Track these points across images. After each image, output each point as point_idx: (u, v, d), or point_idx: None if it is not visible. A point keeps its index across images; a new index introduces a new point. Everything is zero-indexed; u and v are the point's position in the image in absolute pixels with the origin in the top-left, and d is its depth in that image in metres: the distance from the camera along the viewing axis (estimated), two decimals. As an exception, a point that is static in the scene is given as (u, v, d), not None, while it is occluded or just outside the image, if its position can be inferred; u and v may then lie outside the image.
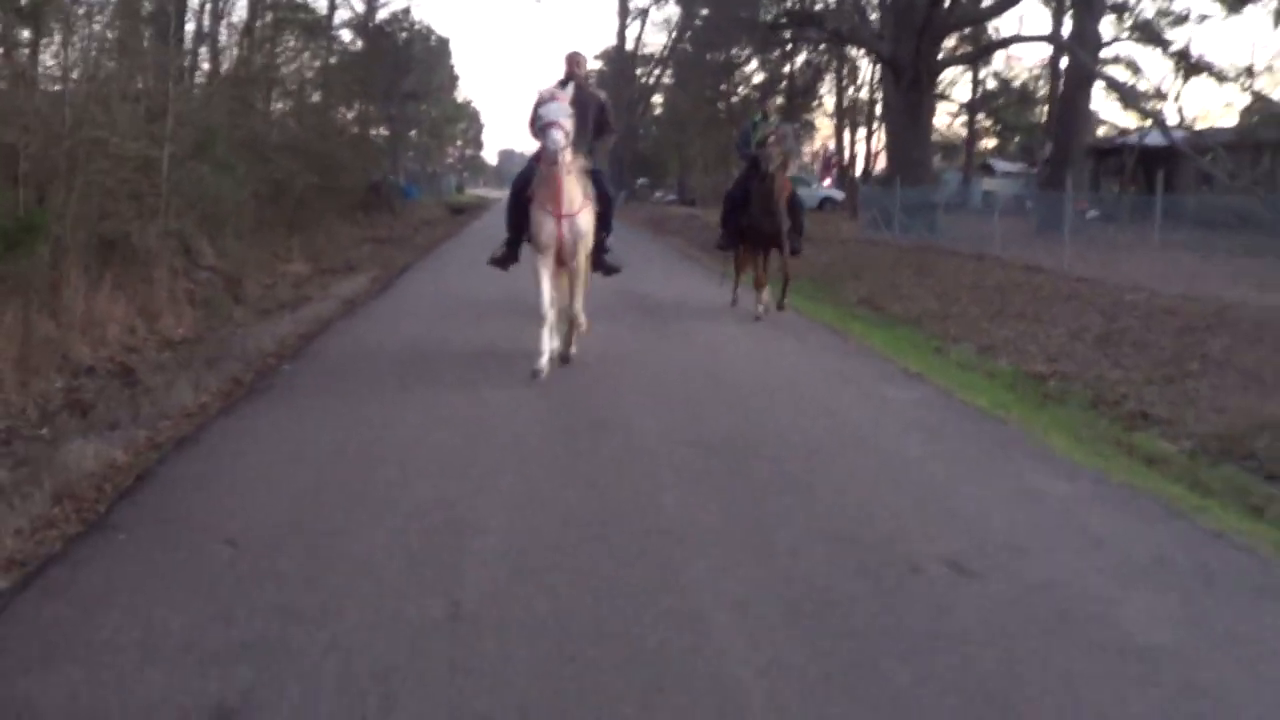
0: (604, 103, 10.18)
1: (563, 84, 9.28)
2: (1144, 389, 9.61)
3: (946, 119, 55.30)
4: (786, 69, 50.27)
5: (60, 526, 5.24)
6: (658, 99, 64.55)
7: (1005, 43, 32.52)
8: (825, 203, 44.46)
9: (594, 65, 67.04)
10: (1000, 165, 57.64)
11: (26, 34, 11.06)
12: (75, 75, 11.54)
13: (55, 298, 10.08)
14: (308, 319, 12.91)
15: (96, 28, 12.39)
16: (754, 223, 13.47)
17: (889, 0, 27.92)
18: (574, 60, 10.09)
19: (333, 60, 31.19)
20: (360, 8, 43.82)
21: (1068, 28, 29.88)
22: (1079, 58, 25.23)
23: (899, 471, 6.37)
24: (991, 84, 53.38)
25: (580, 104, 9.37)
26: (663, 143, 65.55)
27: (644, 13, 60.34)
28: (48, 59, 11.85)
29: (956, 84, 48.85)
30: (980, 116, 53.86)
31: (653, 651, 3.82)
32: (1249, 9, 28.47)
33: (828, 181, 49.28)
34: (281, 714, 3.42)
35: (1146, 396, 9.34)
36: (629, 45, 62.66)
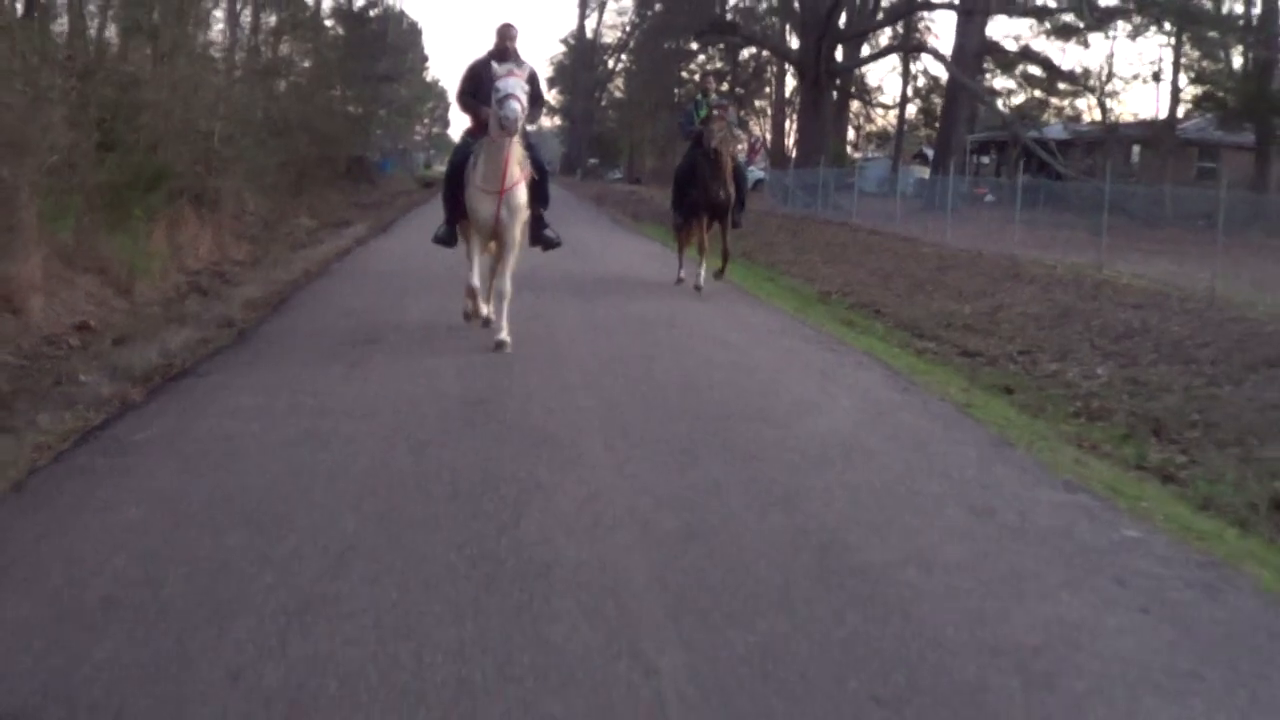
0: (534, 74, 9.85)
1: (501, 56, 9.51)
2: (889, 299, 14.98)
3: (881, 112, 60.60)
4: (732, 61, 55.50)
5: (250, 315, 10.55)
6: (614, 85, 69.67)
7: (886, 51, 38.18)
8: (756, 183, 49.89)
9: (557, 51, 71.88)
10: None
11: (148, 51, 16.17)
12: (173, 76, 16.65)
13: (172, 227, 15.20)
14: (330, 251, 18.17)
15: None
16: (702, 195, 13.94)
17: (795, 11, 33.31)
18: (506, 34, 9.99)
19: (322, 49, 36.01)
20: (342, -2, 48.92)
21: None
22: (950, 69, 30.77)
23: (754, 368, 9.36)
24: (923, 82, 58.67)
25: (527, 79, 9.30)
26: (617, 126, 70.78)
27: (602, 3, 65.42)
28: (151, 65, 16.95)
29: (885, 80, 54.00)
30: (912, 111, 59.15)
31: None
32: (1111, 27, 33.78)
33: (755, 164, 54.70)
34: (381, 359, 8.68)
35: (886, 303, 14.68)
36: (589, 34, 67.72)
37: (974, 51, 33.30)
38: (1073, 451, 7.22)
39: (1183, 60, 34.44)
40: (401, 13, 71.09)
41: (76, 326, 10.46)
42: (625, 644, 3.65)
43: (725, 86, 52.76)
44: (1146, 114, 37.22)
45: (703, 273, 14.16)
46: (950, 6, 34.11)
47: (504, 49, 9.83)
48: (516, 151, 9.32)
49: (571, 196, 39.85)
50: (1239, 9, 31.42)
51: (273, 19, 29.87)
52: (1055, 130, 37.83)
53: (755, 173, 52.24)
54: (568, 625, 3.77)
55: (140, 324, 10.83)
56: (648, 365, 9.12)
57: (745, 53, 54.25)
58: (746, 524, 4.98)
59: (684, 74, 57.57)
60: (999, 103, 36.42)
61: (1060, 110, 42.72)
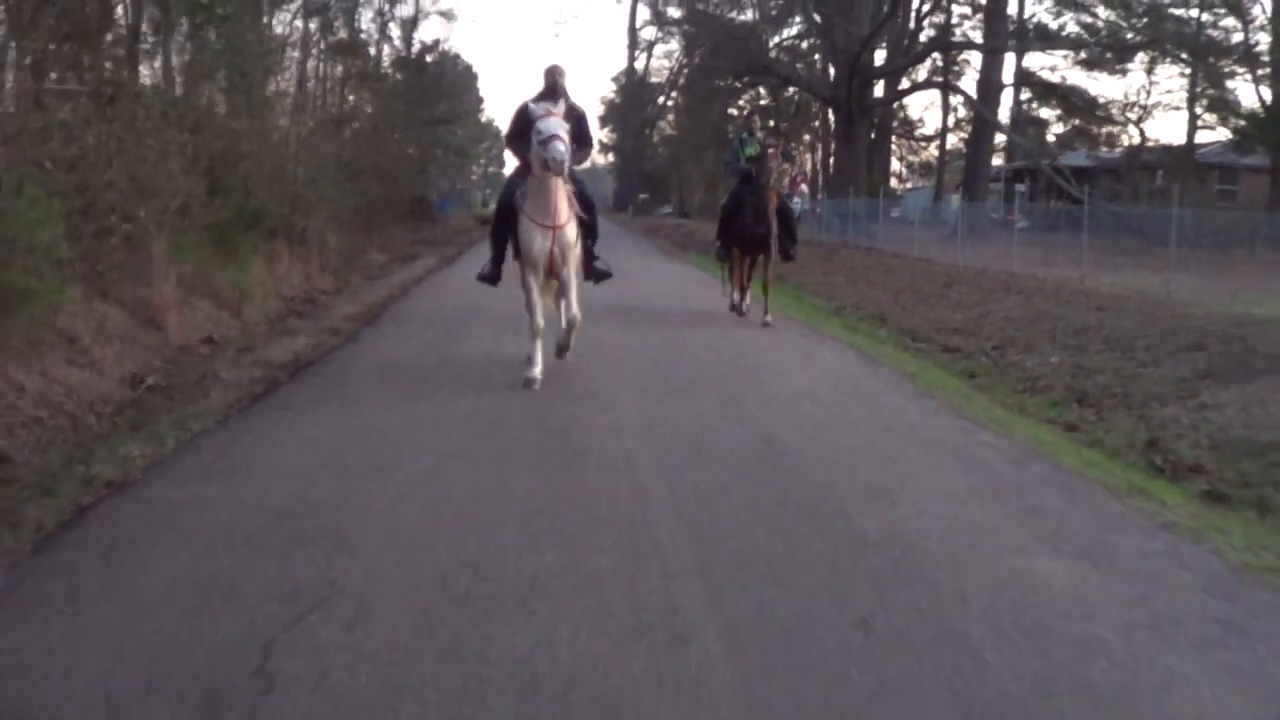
0: (582, 114, 10.14)
1: (550, 96, 9.58)
2: (895, 310, 17.18)
3: (923, 144, 62.73)
4: (775, 98, 57.96)
5: (342, 332, 12.98)
6: (664, 122, 72.42)
7: (914, 89, 40.47)
8: (799, 215, 52.24)
9: (608, 90, 74.76)
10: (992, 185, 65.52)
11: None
12: (264, 128, 19.27)
13: (268, 261, 17.73)
14: (405, 279, 20.67)
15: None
16: (747, 231, 14.80)
17: (829, 53, 35.76)
18: (556, 73, 10.03)
19: (384, 96, 38.75)
20: (400, 45, 51.77)
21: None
22: (972, 104, 33.02)
23: (751, 353, 12.62)
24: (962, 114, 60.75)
25: (568, 116, 9.45)
26: (667, 162, 73.42)
27: (651, 45, 68.22)
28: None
29: (926, 113, 56.15)
30: (954, 141, 61.22)
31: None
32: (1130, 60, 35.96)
33: (797, 195, 57.03)
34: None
35: (891, 313, 16.88)
36: (638, 73, 70.53)
37: (997, 86, 35.54)
38: (988, 406, 9.45)
39: (1197, 90, 36.38)
40: (457, 56, 74.13)
41: (203, 340, 12.96)
42: (630, 483, 5.99)
43: (771, 123, 55.28)
44: (1179, 140, 38.74)
45: (747, 302, 15.23)
46: (973, 46, 36.42)
47: (552, 89, 9.82)
48: (564, 189, 9.45)
49: (623, 231, 42.38)
50: (1245, 38, 33.44)
51: (338, 69, 32.63)
52: (1079, 157, 39.88)
53: (796, 204, 54.76)
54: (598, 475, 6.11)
55: (255, 338, 13.33)
56: (672, 351, 11.44)
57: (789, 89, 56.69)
58: (719, 431, 7.33)
59: (731, 110, 59.99)
60: (1016, 134, 38.53)
61: (1096, 137, 44.77)
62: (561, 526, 5.22)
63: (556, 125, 9.06)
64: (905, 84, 43.63)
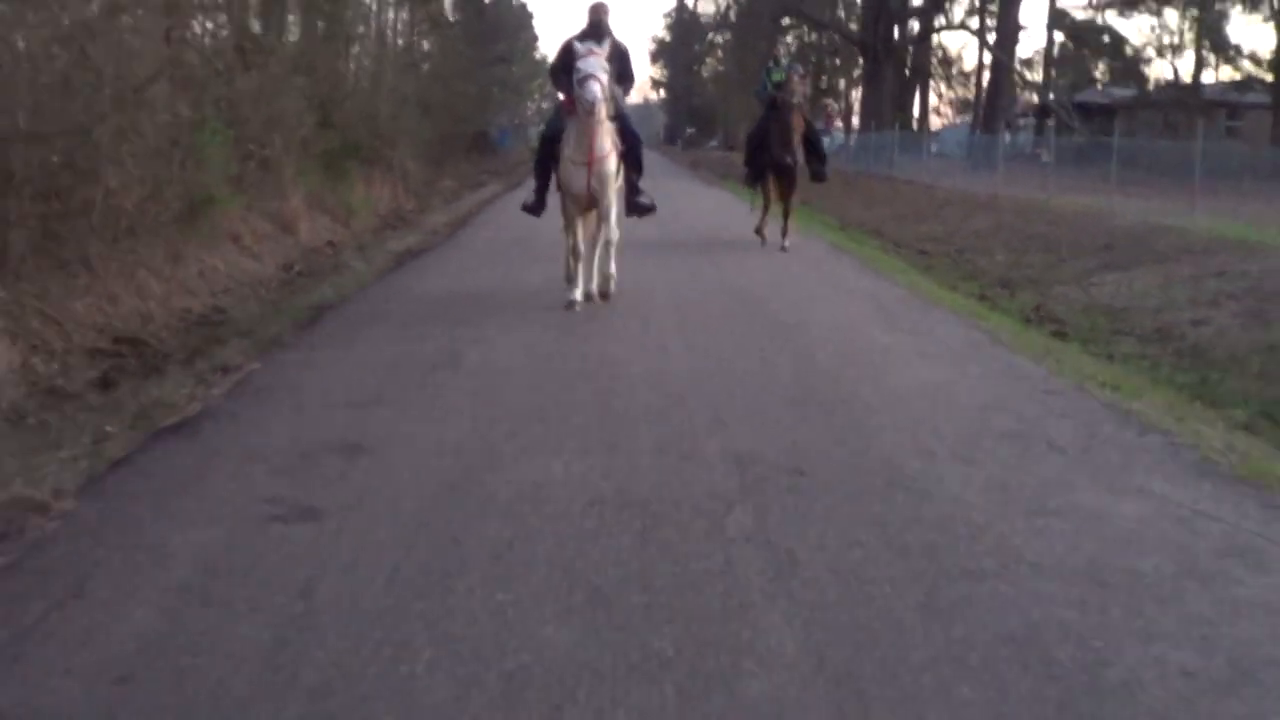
0: (625, 52, 10.34)
1: (595, 38, 9.73)
2: (891, 225, 20.52)
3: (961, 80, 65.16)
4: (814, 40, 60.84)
5: (440, 233, 16.59)
6: (712, 59, 75.37)
7: (933, 30, 43.36)
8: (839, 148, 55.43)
9: (658, 29, 77.45)
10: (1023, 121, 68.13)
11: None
12: (359, 72, 22.80)
13: (366, 184, 21.30)
14: (476, 201, 24.23)
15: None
16: (770, 157, 15.12)
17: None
18: (600, 10, 10.17)
19: (453, 40, 42.11)
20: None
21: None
22: (986, 45, 36.01)
23: (774, 266, 16.85)
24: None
25: (610, 56, 9.67)
26: (714, 98, 76.41)
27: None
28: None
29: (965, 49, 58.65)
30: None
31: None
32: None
33: (831, 130, 60.18)
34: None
35: (887, 228, 20.23)
36: (688, 11, 73.44)
37: (1014, 28, 38.44)
38: (924, 281, 12.87)
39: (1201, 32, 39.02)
40: None
41: (326, 243, 16.49)
42: (656, 334, 9.53)
43: (813, 62, 58.10)
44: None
45: (766, 223, 15.46)
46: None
47: (596, 26, 9.99)
48: (605, 125, 9.67)
49: (671, 164, 45.65)
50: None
51: (404, 15, 36.01)
52: (1098, 95, 42.71)
53: (836, 138, 57.86)
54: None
55: (365, 243, 16.87)
56: (696, 259, 14.88)
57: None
58: (718, 299, 10.80)
59: (779, 49, 62.84)
60: (1030, 72, 41.57)
61: (1138, 75, 47.29)
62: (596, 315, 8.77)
63: (595, 65, 9.29)
64: (937, 25, 46.48)
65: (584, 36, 9.83)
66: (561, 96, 10.42)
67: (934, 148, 45.05)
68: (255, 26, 20.75)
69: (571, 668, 3.20)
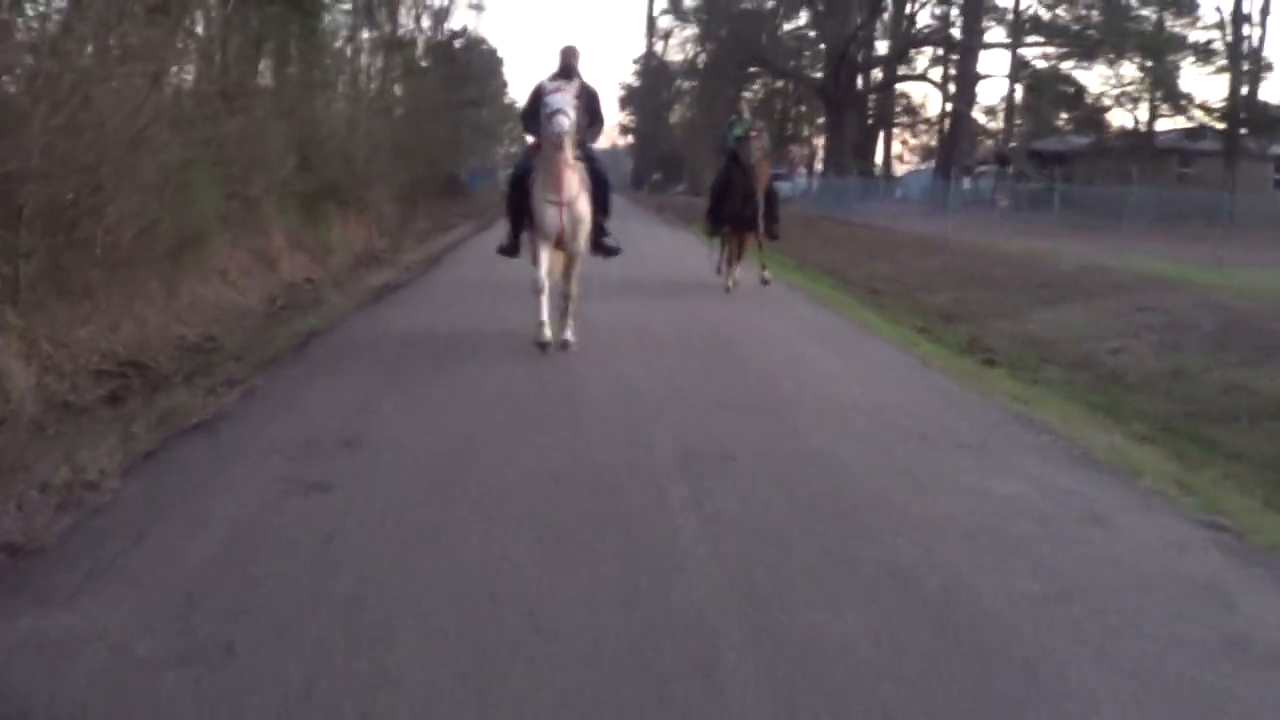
0: (594, 93, 10.49)
1: (564, 76, 10.02)
2: (846, 266, 21.58)
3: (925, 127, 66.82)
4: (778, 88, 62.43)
5: (414, 270, 17.53)
6: (680, 105, 76.87)
7: (895, 80, 44.85)
8: (799, 194, 56.80)
9: (628, 75, 78.88)
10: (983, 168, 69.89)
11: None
12: (336, 116, 23.77)
13: (341, 225, 22.22)
14: (447, 242, 25.18)
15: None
16: (735, 209, 15.55)
17: (821, 46, 40.24)
18: (570, 54, 10.42)
19: (426, 85, 43.11)
20: (431, 34, 56.20)
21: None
22: (945, 95, 37.40)
23: (730, 302, 18.11)
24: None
25: (580, 96, 9.85)
26: (681, 144, 77.78)
27: (668, 34, 72.59)
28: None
29: (929, 98, 60.41)
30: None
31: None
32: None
33: (795, 176, 61.64)
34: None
35: (841, 268, 21.29)
36: (656, 59, 74.93)
37: (973, 78, 39.94)
38: (864, 314, 13.89)
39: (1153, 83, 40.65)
40: (483, 42, 77.99)
41: (305, 279, 17.36)
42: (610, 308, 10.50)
43: (778, 109, 59.50)
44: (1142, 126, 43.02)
45: (734, 279, 15.81)
46: (943, 43, 40.82)
47: (567, 69, 10.26)
48: (572, 163, 9.72)
49: (636, 208, 46.81)
50: (1200, 37, 37.84)
51: (379, 62, 37.10)
52: (1056, 143, 44.25)
53: (799, 184, 59.33)
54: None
55: (341, 279, 17.75)
56: (658, 296, 15.85)
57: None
58: (674, 328, 11.76)
59: (746, 94, 64.38)
60: (987, 122, 43.19)
61: (1097, 123, 48.88)
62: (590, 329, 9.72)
63: (563, 100, 9.41)
64: (901, 73, 47.99)
65: (554, 78, 10.06)
66: (530, 139, 10.60)
67: (898, 193, 46.65)
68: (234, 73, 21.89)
69: (540, 583, 4.13)
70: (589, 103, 10.34)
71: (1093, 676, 3.55)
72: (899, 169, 68.58)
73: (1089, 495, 5.57)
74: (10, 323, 9.68)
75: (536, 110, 9.82)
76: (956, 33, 41.91)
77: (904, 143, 69.15)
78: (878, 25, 40.82)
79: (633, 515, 4.99)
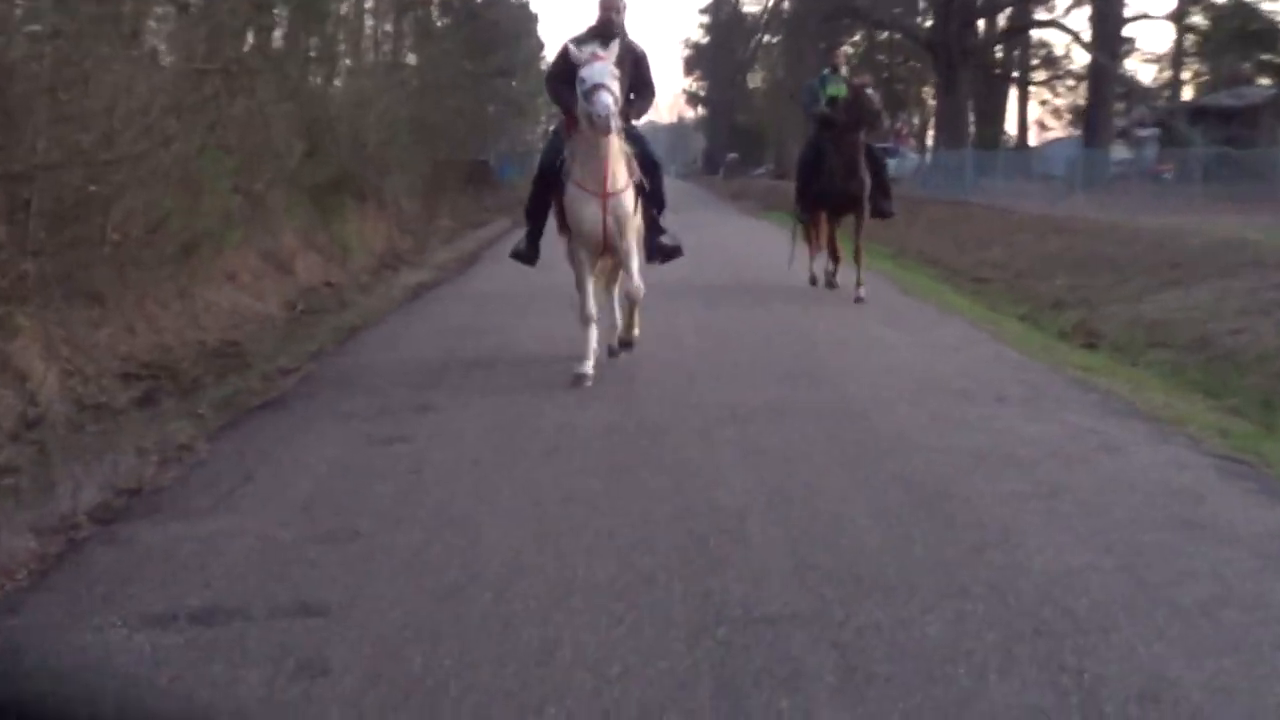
0: (641, 55, 10.60)
1: (601, 38, 9.99)
2: (951, 254, 23.71)
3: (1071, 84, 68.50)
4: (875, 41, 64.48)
5: (450, 270, 19.95)
6: (760, 66, 79.04)
7: (1024, 27, 46.81)
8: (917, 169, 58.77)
9: (693, 31, 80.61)
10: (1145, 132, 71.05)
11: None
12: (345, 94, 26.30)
13: (360, 221, 24.69)
14: (481, 239, 27.64)
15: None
16: (830, 185, 15.80)
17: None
18: (611, 5, 10.49)
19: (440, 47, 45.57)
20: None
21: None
22: (1081, 43, 39.44)
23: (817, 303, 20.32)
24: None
25: (622, 62, 9.80)
26: (763, 114, 79.81)
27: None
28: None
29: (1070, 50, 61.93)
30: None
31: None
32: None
33: (904, 149, 63.47)
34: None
35: (945, 256, 23.42)
36: (730, 6, 77.22)
37: (1116, 19, 41.85)
38: (959, 301, 16.05)
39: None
40: None
41: (324, 283, 19.76)
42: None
43: (883, 66, 61.39)
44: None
45: (830, 270, 16.64)
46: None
47: (607, 24, 10.35)
48: (617, 148, 9.80)
49: (709, 195, 49.33)
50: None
51: (387, 25, 39.58)
52: (1225, 97, 46.06)
53: (909, 160, 61.10)
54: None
55: (367, 280, 20.17)
56: (730, 300, 18.08)
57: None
58: (744, 307, 14.00)
59: (838, 54, 66.36)
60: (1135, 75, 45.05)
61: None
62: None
63: (603, 72, 9.31)
64: (1030, 18, 49.83)
65: (588, 37, 10.18)
66: (562, 115, 10.70)
67: (1037, 166, 48.10)
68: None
69: (602, 504, 6.37)
70: (634, 69, 10.44)
71: (1051, 537, 5.72)
72: (1039, 137, 70.30)
73: (1113, 434, 7.74)
74: (23, 324, 12.04)
75: (567, 76, 9.89)
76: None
77: (1044, 104, 70.86)
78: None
79: (681, 454, 7.25)
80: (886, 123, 50.85)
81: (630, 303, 10.81)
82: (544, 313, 13.57)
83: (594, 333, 10.21)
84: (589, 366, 9.91)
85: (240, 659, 4.44)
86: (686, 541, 5.65)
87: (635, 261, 10.29)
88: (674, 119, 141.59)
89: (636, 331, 11.06)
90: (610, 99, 9.19)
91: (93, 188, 12.55)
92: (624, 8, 10.63)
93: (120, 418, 9.68)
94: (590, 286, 10.40)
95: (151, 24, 18.37)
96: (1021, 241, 24.08)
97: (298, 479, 6.90)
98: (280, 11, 25.18)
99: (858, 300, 14.96)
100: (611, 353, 10.82)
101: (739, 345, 11.80)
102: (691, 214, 26.56)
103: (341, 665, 4.36)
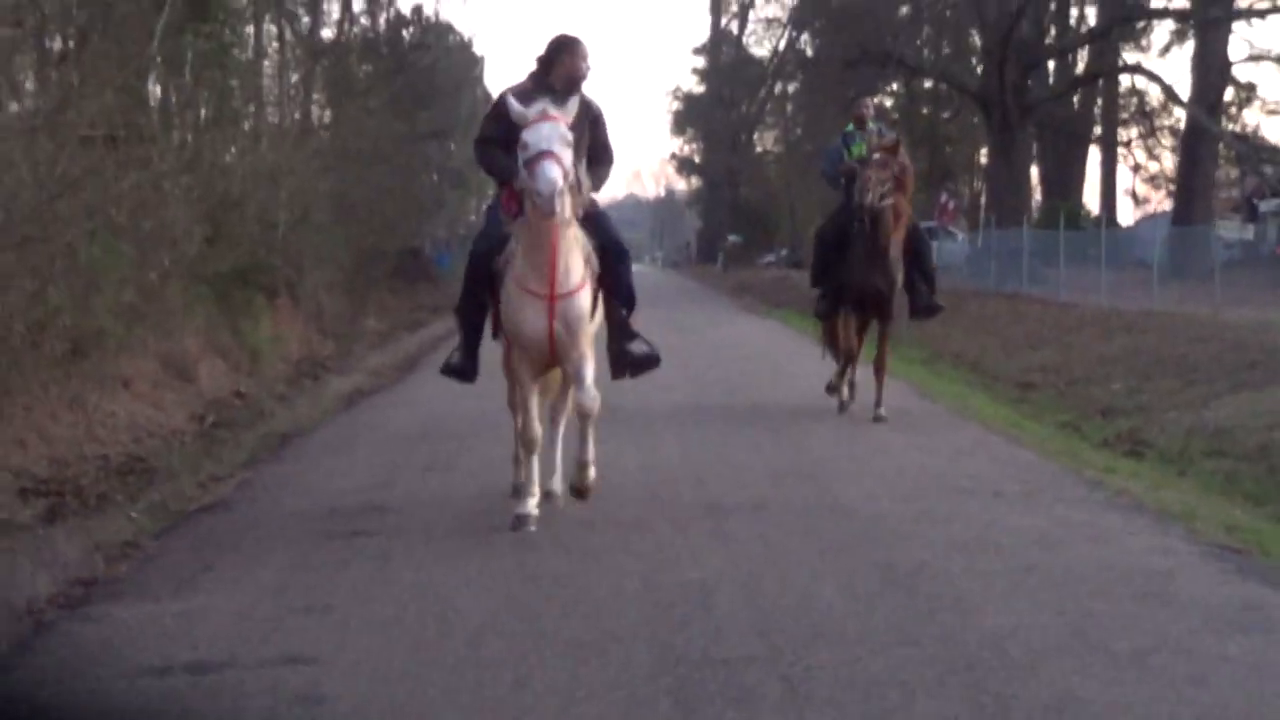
0: (599, 114, 10.81)
1: (555, 91, 10.15)
2: (995, 357, 25.90)
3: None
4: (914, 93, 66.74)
5: (384, 375, 22.12)
6: (767, 124, 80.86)
7: (1101, 75, 49.17)
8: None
9: (687, 80, 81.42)
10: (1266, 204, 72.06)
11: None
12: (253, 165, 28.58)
13: (271, 320, 26.80)
14: (413, 347, 29.83)
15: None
16: (855, 277, 16.27)
17: (976, 34, 44.80)
18: (569, 49, 10.57)
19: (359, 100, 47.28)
20: (364, 18, 58.91)
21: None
22: (1172, 96, 41.81)
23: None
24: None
25: (579, 124, 10.08)
26: (774, 187, 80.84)
27: (745, 7, 76.80)
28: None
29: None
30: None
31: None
32: None
33: (950, 227, 65.11)
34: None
35: (988, 360, 25.60)
36: (727, 52, 79.17)
37: (1220, 68, 44.22)
38: (988, 409, 18.21)
39: None
40: (449, 29, 77.84)
41: (234, 393, 21.72)
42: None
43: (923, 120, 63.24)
44: None
45: (851, 376, 16.89)
46: (1178, 15, 44.52)
47: (571, 78, 10.50)
48: (571, 236, 9.97)
49: (703, 288, 51.24)
50: None
51: (295, 76, 41.24)
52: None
53: (959, 242, 62.67)
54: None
55: (284, 390, 22.20)
56: (723, 429, 20.16)
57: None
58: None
59: (865, 105, 68.27)
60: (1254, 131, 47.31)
61: None
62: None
63: (551, 136, 9.47)
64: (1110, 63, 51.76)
65: (535, 89, 10.25)
66: (496, 183, 11.04)
67: (1128, 248, 49.04)
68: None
69: (572, 580, 8.52)
70: (593, 131, 10.67)
71: (1010, 604, 7.83)
72: (1138, 211, 72.05)
73: (1107, 525, 9.97)
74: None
75: (502, 137, 10.14)
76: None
77: (1138, 170, 72.54)
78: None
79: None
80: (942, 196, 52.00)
81: (583, 422, 10.49)
82: (505, 420, 15.22)
83: (537, 463, 10.39)
84: (533, 505, 10.17)
85: (241, 696, 6.54)
86: (653, 610, 7.79)
87: (589, 368, 10.34)
88: (659, 191, 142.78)
89: (592, 472, 10.58)
90: (558, 172, 9.28)
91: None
92: (584, 53, 10.65)
93: (25, 534, 11.05)
94: (534, 405, 10.48)
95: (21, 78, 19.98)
96: (1080, 341, 26.30)
97: (260, 568, 9.02)
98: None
99: (877, 419, 15.78)
100: (549, 497, 10.71)
101: (724, 448, 13.92)
102: (681, 312, 28.99)
103: (335, 695, 6.47)
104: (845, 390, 16.60)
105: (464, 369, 11.22)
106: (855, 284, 16.02)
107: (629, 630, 7.36)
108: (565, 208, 9.48)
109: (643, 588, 8.26)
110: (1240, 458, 15.40)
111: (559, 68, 10.38)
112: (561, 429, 11.43)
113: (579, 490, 10.50)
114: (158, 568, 9.24)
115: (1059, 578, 8.42)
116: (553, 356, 10.28)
